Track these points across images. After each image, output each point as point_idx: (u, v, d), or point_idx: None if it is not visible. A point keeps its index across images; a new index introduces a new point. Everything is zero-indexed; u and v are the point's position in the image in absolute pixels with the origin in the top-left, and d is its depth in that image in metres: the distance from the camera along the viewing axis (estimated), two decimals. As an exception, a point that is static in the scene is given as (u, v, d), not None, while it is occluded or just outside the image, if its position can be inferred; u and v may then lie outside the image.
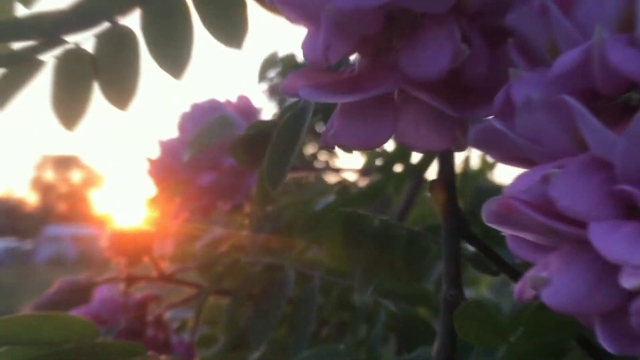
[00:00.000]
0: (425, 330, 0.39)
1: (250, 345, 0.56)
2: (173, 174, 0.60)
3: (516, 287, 0.17)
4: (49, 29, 0.27)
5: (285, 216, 0.55)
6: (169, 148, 0.61)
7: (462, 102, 0.20)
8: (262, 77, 0.79)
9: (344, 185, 0.57)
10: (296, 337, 0.40)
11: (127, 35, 0.29)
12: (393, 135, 0.20)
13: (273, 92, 1.02)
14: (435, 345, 0.26)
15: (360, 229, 0.31)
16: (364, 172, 0.63)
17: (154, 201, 0.66)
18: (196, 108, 0.62)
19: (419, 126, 0.20)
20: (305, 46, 0.20)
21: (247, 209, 0.62)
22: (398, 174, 0.53)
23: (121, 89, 0.30)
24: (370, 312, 0.42)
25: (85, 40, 0.29)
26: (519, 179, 0.16)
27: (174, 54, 0.29)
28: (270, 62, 0.79)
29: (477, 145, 0.18)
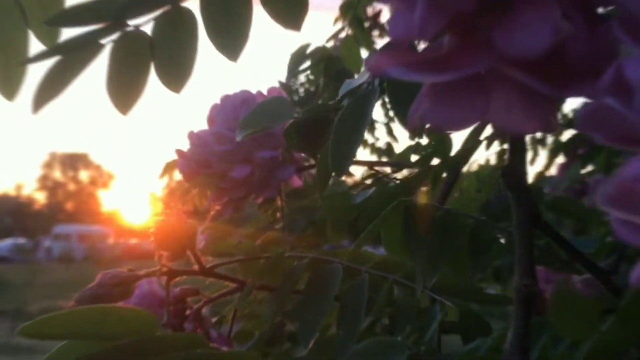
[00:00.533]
0: (478, 324, 0.38)
1: (285, 340, 0.56)
2: (204, 167, 0.59)
3: (634, 271, 0.16)
4: (115, 12, 0.26)
5: (322, 209, 0.54)
6: (199, 140, 0.60)
7: (558, 81, 0.19)
8: (292, 72, 0.77)
9: (378, 178, 0.56)
10: (345, 332, 0.39)
11: (186, 16, 0.28)
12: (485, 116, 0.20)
13: (285, 88, 1.01)
14: (509, 336, 0.25)
15: (422, 218, 0.30)
16: (397, 165, 0.62)
17: (183, 194, 0.65)
18: (227, 100, 0.61)
19: (511, 107, 0.20)
20: (394, 23, 0.20)
21: (279, 202, 0.62)
22: (436, 167, 0.52)
23: (177, 71, 0.29)
24: (421, 309, 0.41)
25: (145, 23, 0.29)
26: (638, 160, 0.16)
27: (232, 35, 0.29)
28: (300, 56, 0.77)
29: (585, 125, 0.18)
